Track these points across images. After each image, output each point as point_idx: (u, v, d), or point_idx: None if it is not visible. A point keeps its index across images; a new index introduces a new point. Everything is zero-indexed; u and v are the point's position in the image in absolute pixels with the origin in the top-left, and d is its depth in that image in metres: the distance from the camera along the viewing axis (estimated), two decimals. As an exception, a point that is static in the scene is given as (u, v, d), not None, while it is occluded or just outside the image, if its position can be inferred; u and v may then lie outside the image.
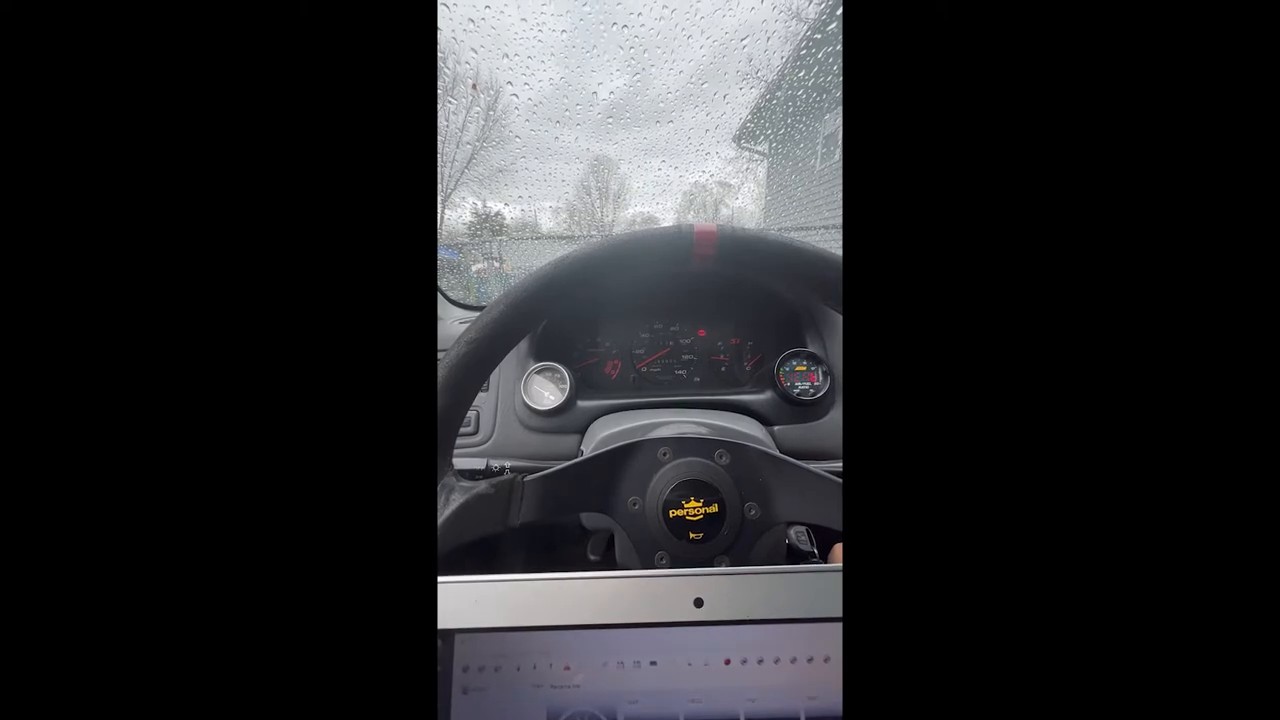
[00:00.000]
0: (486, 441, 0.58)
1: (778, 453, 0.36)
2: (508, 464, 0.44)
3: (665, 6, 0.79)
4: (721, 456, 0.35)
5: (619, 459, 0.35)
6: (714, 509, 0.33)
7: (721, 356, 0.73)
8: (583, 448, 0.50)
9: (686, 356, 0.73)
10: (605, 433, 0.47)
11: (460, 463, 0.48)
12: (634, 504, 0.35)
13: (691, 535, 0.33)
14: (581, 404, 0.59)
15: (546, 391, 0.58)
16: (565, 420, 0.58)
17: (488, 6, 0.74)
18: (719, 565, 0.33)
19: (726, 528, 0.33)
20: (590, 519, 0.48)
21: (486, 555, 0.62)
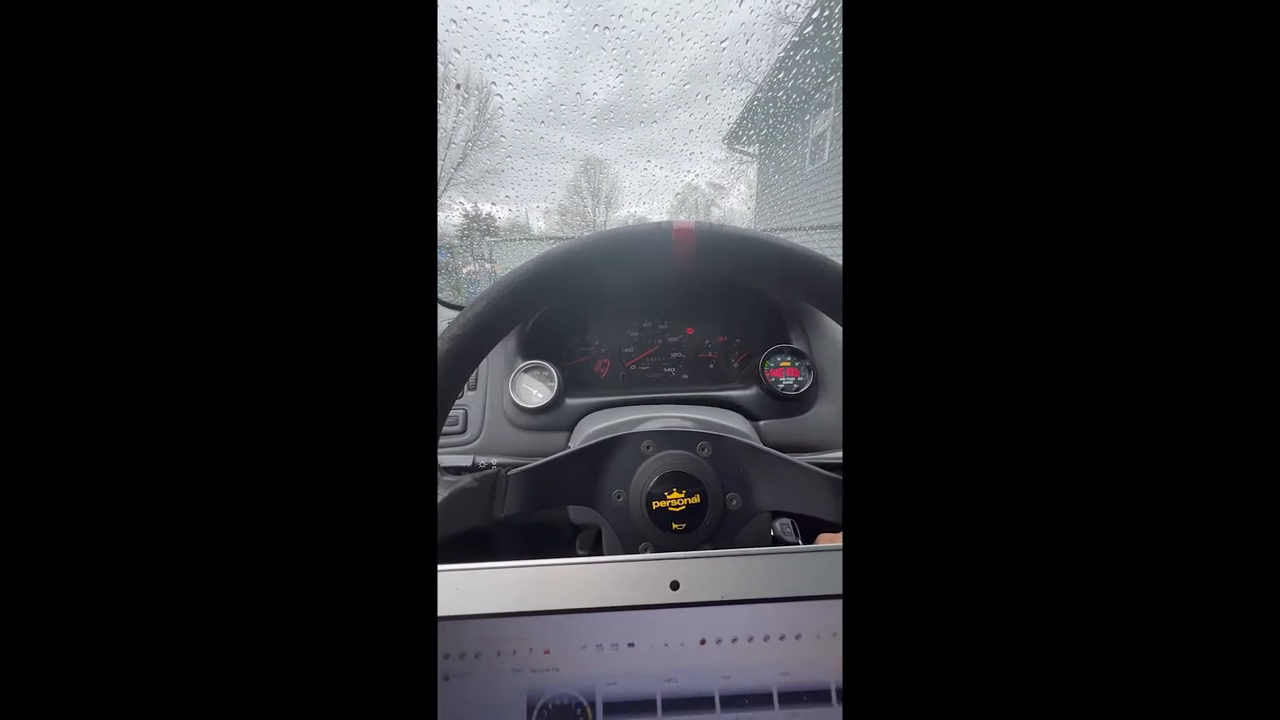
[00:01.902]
0: (475, 440, 0.58)
1: (759, 444, 0.37)
2: (494, 461, 0.44)
3: (646, 9, 0.80)
4: (703, 449, 0.36)
5: (603, 452, 0.36)
6: (696, 500, 0.34)
7: (709, 354, 0.74)
8: (570, 444, 0.50)
9: (675, 354, 0.74)
10: (592, 429, 0.47)
11: (447, 459, 0.48)
12: (618, 496, 0.35)
13: (674, 526, 0.34)
14: (570, 402, 0.59)
15: (534, 390, 0.59)
16: (553, 418, 0.58)
17: (470, 7, 0.74)
18: None
19: (708, 518, 0.34)
20: (578, 515, 0.48)
21: (477, 555, 0.62)
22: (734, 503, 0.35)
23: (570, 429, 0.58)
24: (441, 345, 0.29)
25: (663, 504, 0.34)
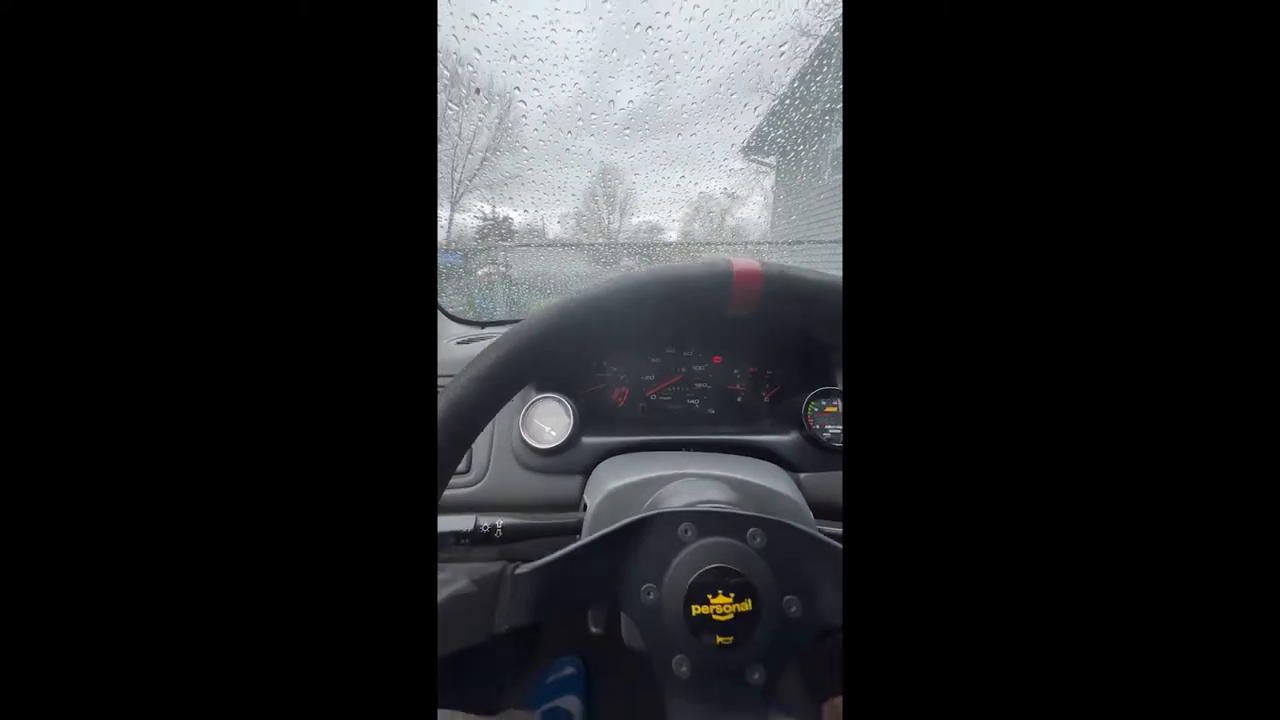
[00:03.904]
0: (478, 482, 0.51)
1: (825, 534, 0.29)
2: (499, 522, 0.37)
3: (688, 18, 0.73)
4: (755, 537, 0.28)
5: (631, 536, 0.29)
6: (746, 606, 0.27)
7: (737, 386, 0.66)
8: (586, 497, 0.43)
9: (700, 385, 0.67)
10: (614, 484, 0.40)
11: (445, 521, 0.40)
12: (648, 593, 0.28)
13: (719, 640, 0.26)
14: (586, 440, 0.52)
15: (547, 426, 0.52)
16: (568, 459, 0.51)
17: (492, 11, 0.67)
18: (751, 675, 0.27)
19: (761, 630, 0.27)
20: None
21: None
22: (794, 610, 0.27)
23: (585, 473, 0.51)
24: (459, 389, 0.23)
25: (704, 609, 0.27)
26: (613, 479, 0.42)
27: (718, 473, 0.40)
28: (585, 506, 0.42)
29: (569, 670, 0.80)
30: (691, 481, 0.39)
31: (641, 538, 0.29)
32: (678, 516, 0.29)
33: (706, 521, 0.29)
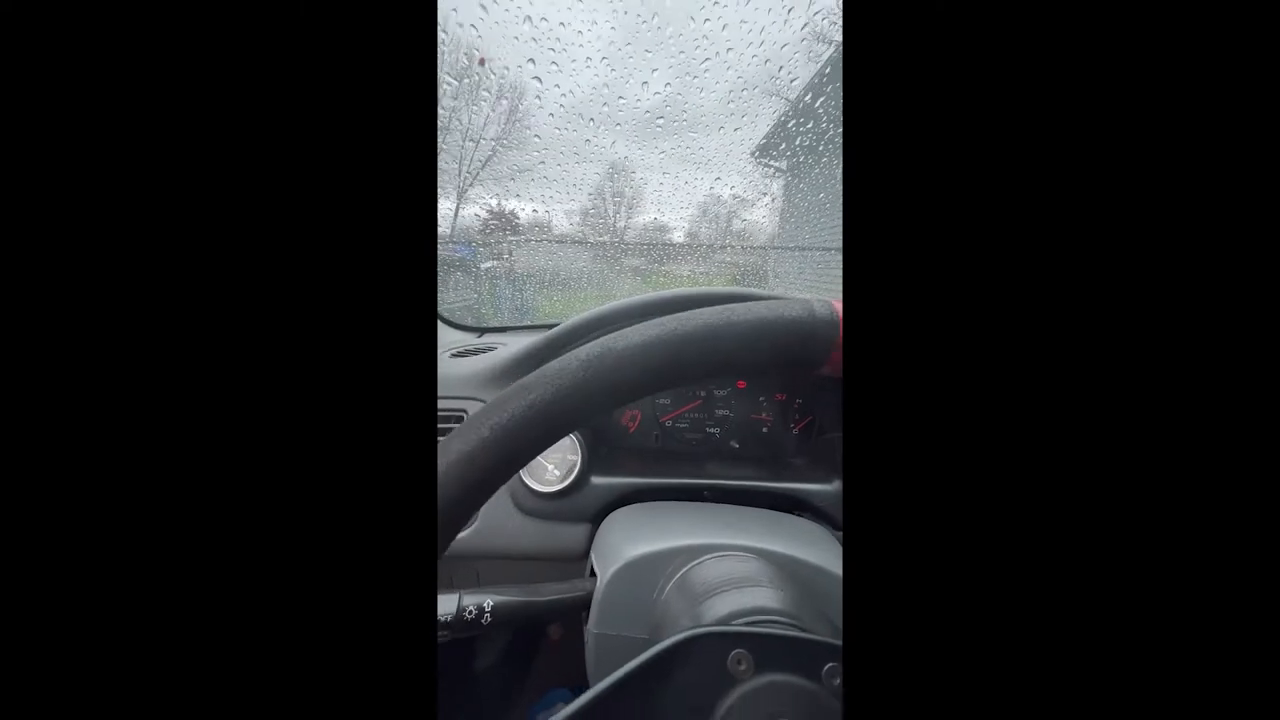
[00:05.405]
0: (469, 527, 0.44)
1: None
2: (489, 602, 0.30)
3: (716, 4, 0.65)
4: (834, 675, 0.21)
5: (661, 669, 0.21)
6: None
7: (764, 415, 0.59)
8: (595, 561, 0.35)
9: (721, 412, 0.59)
10: (631, 553, 0.32)
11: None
12: None
13: None
14: (595, 481, 0.44)
15: (551, 465, 0.44)
16: (573, 504, 0.43)
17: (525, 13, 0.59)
18: None
19: None
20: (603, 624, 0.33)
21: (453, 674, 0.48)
22: None
23: (594, 520, 0.43)
24: (473, 438, 0.17)
25: None
26: (628, 543, 0.34)
27: (756, 544, 0.33)
28: (593, 571, 0.35)
29: (560, 705, 0.73)
30: (726, 562, 0.31)
31: (676, 667, 0.21)
32: (727, 639, 0.21)
33: (766, 649, 0.21)
